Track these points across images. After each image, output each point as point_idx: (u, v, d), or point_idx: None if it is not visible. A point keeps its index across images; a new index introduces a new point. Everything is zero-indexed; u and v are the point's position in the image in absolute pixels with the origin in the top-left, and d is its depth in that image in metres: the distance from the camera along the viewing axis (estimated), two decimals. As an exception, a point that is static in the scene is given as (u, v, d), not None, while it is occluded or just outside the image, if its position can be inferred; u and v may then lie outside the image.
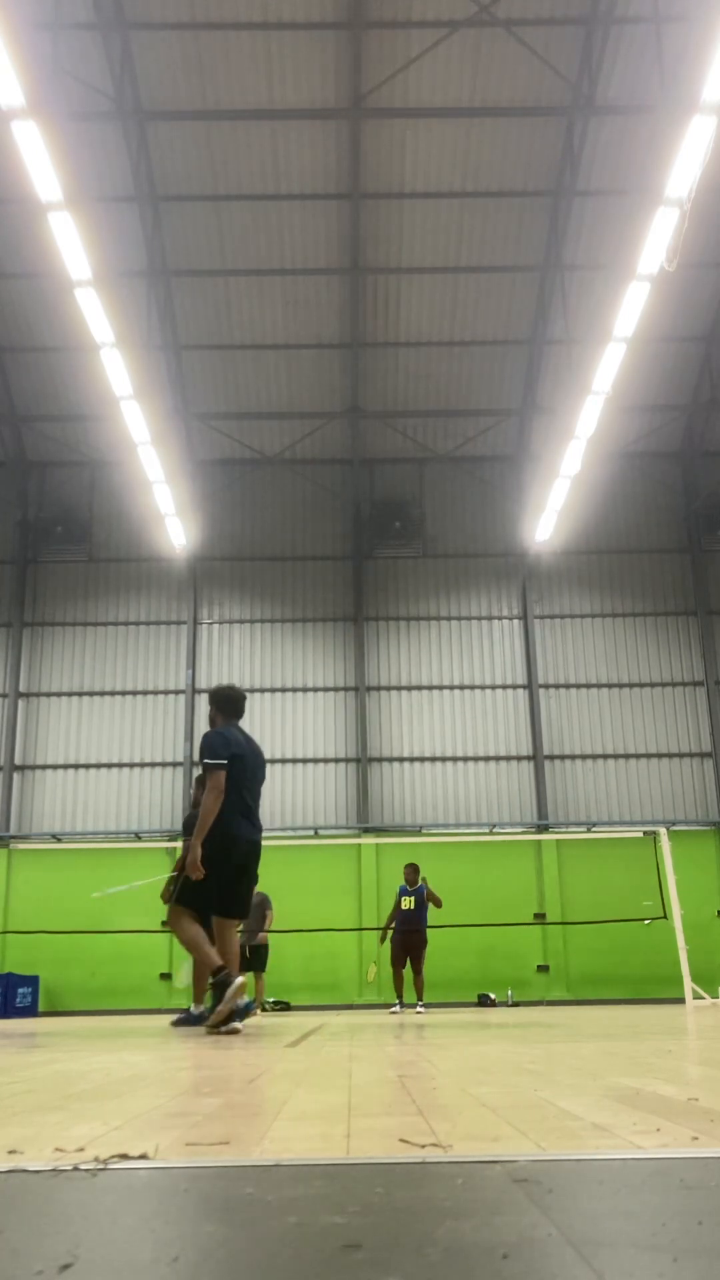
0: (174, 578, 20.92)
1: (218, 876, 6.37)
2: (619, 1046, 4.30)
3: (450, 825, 19.49)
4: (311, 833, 19.22)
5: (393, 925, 13.24)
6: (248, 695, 7.38)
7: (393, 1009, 12.96)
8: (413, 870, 13.30)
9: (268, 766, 21.10)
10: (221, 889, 6.42)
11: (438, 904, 13.14)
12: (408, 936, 13.07)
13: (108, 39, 14.91)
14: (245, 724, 7.22)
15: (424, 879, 13.29)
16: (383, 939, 13.39)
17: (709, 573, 21.03)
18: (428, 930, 13.22)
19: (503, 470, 21.64)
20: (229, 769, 6.48)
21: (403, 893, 13.27)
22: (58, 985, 18.02)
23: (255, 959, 13.28)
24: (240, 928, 13.04)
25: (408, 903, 13.13)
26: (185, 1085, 2.72)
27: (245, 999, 6.19)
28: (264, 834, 7.09)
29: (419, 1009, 12.89)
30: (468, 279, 18.93)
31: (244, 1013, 6.10)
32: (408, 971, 13.10)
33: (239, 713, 6.94)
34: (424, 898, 13.19)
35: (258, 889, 13.53)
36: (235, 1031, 5.98)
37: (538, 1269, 0.89)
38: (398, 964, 13.08)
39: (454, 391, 20.81)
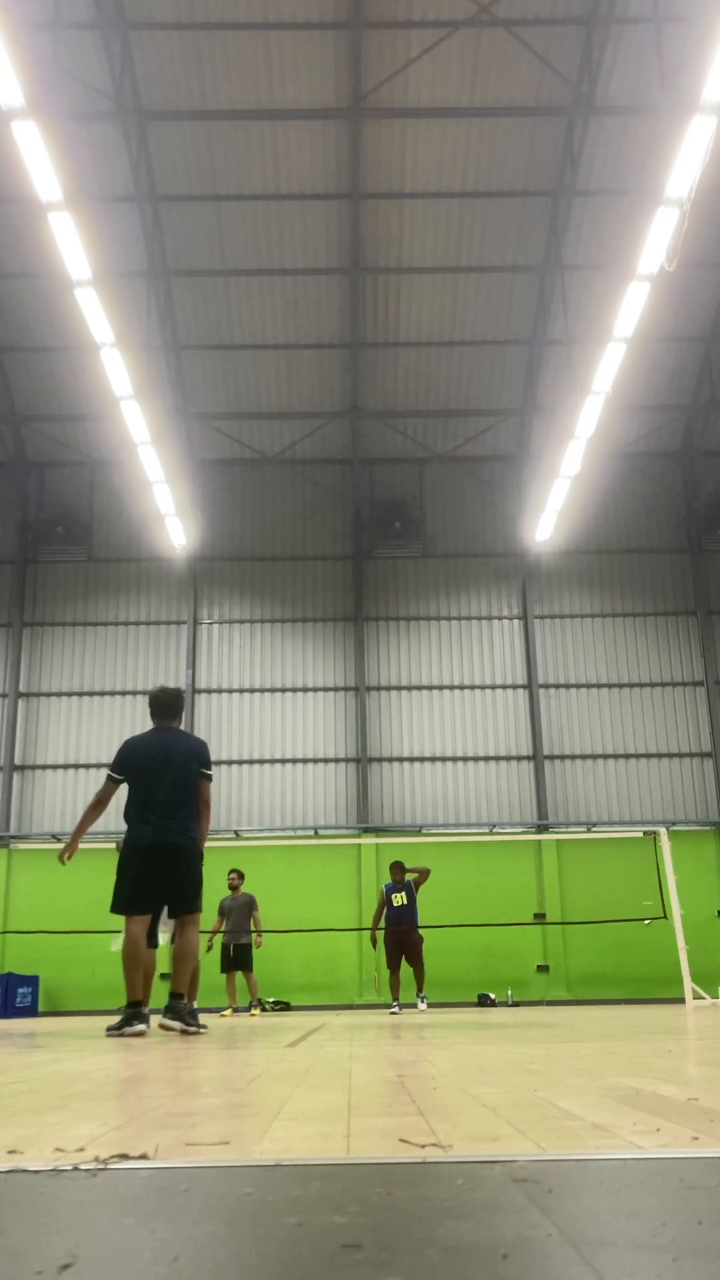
0: (174, 578, 20.92)
1: (125, 876, 6.72)
2: (619, 1046, 4.30)
3: (450, 825, 19.48)
4: (311, 833, 19.21)
5: (381, 926, 13.15)
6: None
7: (391, 1009, 12.88)
8: (399, 869, 13.25)
9: (266, 766, 20.99)
10: (134, 888, 6.69)
11: (425, 874, 13.09)
12: (401, 935, 12.97)
13: (108, 39, 14.91)
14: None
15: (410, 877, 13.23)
16: (374, 943, 13.31)
17: (709, 573, 21.03)
18: (420, 928, 13.15)
19: (503, 470, 21.64)
20: (124, 779, 6.85)
21: (391, 890, 13.19)
22: (58, 985, 18.02)
23: (239, 958, 13.29)
24: (224, 927, 13.12)
25: (399, 899, 13.05)
26: (185, 1085, 2.72)
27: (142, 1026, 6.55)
28: (264, 833, 7.41)
29: (420, 1006, 12.84)
30: (468, 279, 18.93)
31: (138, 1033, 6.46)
32: (406, 972, 13.05)
33: (162, 714, 7.08)
34: (413, 890, 13.10)
35: (244, 889, 13.57)
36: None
37: (538, 1269, 0.89)
38: (393, 965, 12.99)
39: (454, 391, 20.81)
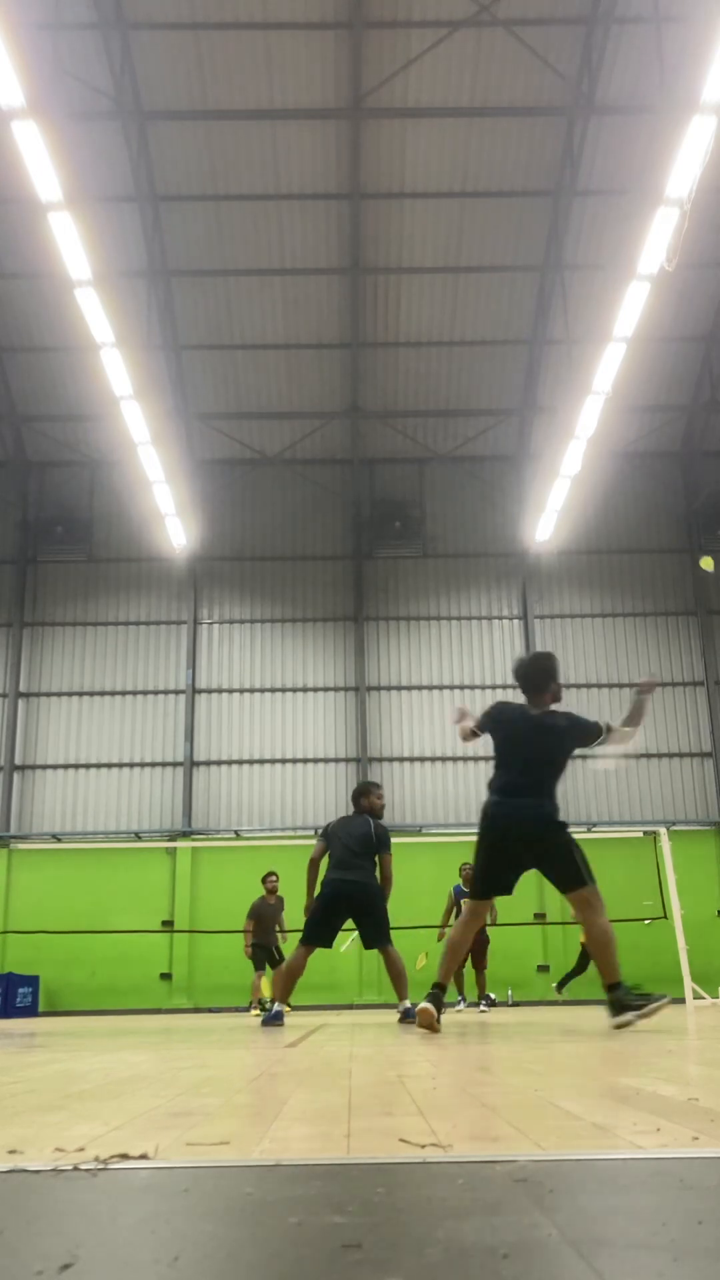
0: (174, 578, 20.92)
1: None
2: (619, 1046, 4.30)
3: (450, 825, 19.46)
4: (312, 833, 19.18)
5: (447, 925, 13.07)
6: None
7: (479, 1007, 12.68)
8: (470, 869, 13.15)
9: (266, 766, 21.03)
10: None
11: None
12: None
13: (108, 39, 14.91)
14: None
15: None
16: (440, 935, 13.26)
17: (709, 572, 21.01)
18: (488, 928, 13.08)
19: (503, 470, 21.64)
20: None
21: (458, 894, 13.07)
22: (58, 985, 18.01)
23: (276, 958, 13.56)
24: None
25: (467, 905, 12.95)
26: (185, 1085, 2.72)
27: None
28: (264, 834, 7.85)
29: (459, 1006, 12.71)
30: (468, 279, 18.93)
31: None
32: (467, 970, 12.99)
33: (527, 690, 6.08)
34: None
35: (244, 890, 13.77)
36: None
37: (538, 1269, 0.89)
38: (474, 964, 12.95)
39: (454, 391, 20.80)
